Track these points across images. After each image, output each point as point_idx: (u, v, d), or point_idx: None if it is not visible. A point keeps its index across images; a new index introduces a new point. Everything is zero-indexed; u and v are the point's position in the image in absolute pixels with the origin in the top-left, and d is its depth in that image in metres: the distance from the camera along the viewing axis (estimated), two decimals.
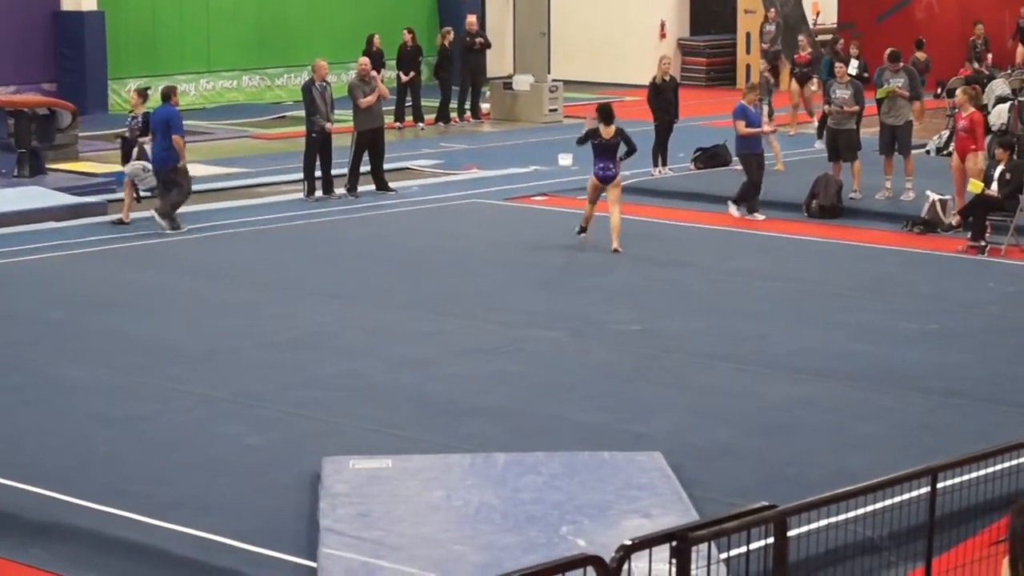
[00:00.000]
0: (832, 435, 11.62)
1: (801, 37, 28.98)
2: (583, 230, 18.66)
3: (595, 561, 5.48)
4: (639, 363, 13.65)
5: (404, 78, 29.54)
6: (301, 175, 22.26)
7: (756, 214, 20.55)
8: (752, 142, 20.59)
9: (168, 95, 20.31)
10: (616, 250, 18.16)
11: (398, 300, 15.97)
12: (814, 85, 27.34)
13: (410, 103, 29.83)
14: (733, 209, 20.57)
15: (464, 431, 11.67)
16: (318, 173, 22.02)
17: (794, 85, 27.98)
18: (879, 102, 21.87)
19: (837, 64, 23.08)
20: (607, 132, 18.51)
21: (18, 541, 9.64)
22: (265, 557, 9.24)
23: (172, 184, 19.82)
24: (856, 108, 21.70)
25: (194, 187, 23.10)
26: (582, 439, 11.37)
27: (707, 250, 18.72)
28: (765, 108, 24.19)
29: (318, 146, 21.91)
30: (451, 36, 30.76)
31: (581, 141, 18.89)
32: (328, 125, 21.83)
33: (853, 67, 25.51)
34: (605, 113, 18.65)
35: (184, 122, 30.09)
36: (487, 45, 31.15)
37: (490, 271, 17.58)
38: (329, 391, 12.73)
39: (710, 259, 18.11)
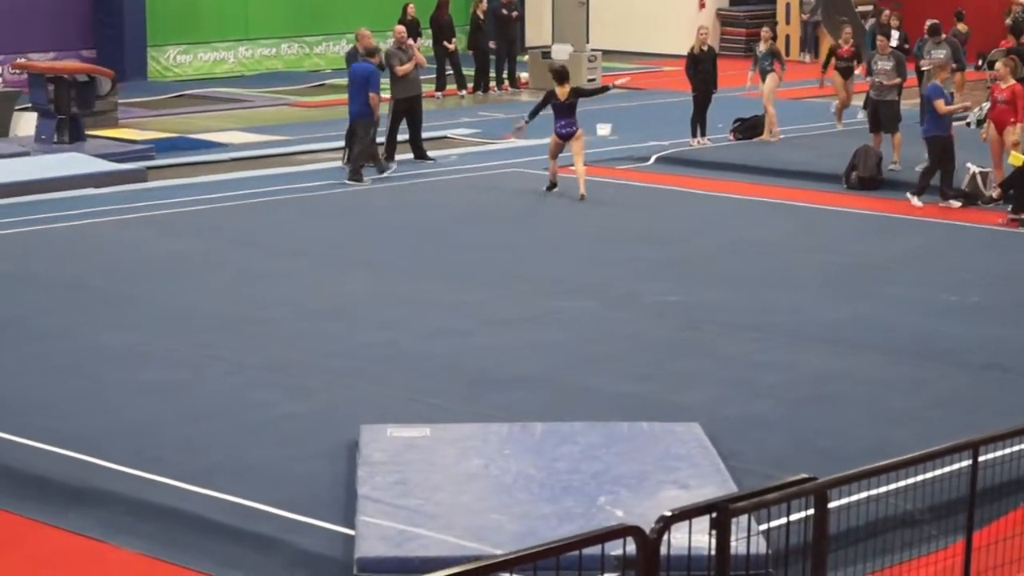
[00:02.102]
0: (869, 407, 11.55)
1: (847, 29, 26.88)
2: (552, 186, 19.92)
3: (635, 531, 5.46)
4: (675, 334, 13.60)
5: (450, 47, 29.59)
6: (342, 143, 22.22)
7: (951, 201, 19.39)
8: (946, 122, 19.51)
9: (372, 52, 20.91)
10: (583, 196, 19.31)
11: (433, 269, 15.95)
12: (858, 71, 26.06)
13: (450, 71, 29.87)
14: (954, 203, 19.31)
15: (499, 401, 11.64)
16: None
17: (837, 79, 25.95)
18: (920, 74, 21.69)
19: (879, 37, 22.89)
20: (562, 93, 19.72)
21: (55, 506, 9.67)
22: (302, 524, 9.24)
23: (366, 136, 20.65)
24: (897, 80, 21.56)
25: (232, 155, 23.27)
26: (618, 409, 11.33)
27: (745, 221, 18.64)
28: (774, 75, 24.04)
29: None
30: (484, 5, 30.71)
31: (534, 112, 20.13)
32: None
33: (894, 39, 25.18)
34: (558, 73, 19.83)
35: (222, 89, 30.65)
36: (520, 16, 31.07)
37: (526, 241, 17.54)
38: (365, 360, 12.71)
39: (748, 230, 18.03)
